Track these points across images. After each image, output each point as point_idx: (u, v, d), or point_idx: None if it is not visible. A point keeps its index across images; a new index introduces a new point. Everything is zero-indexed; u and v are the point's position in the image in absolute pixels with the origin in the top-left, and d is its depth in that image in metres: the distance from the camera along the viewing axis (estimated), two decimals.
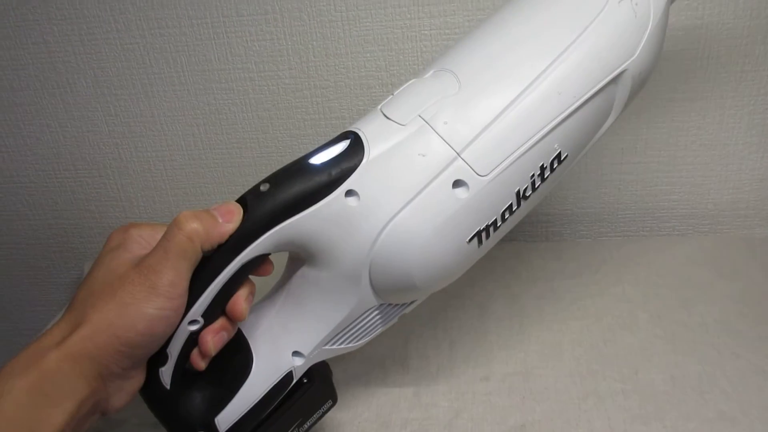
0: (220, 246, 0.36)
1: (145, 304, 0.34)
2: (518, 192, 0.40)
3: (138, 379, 0.37)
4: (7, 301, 0.87)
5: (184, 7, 0.67)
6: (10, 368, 0.33)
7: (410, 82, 0.41)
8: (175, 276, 0.35)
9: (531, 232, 0.74)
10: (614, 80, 0.40)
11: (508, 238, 0.72)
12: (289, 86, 0.69)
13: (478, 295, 0.62)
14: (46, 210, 0.80)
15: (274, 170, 0.39)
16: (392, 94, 0.41)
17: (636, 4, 0.40)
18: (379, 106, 0.41)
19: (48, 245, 0.83)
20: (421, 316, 0.58)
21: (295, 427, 0.43)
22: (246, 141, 0.73)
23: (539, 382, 0.51)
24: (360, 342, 0.43)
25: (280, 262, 0.42)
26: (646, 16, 0.40)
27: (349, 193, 0.38)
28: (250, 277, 0.39)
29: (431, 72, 0.41)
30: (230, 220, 0.36)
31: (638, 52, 0.40)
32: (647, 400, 0.48)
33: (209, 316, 0.38)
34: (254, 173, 0.75)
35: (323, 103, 0.70)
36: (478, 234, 0.39)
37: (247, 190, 0.38)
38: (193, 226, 0.35)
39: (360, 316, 0.41)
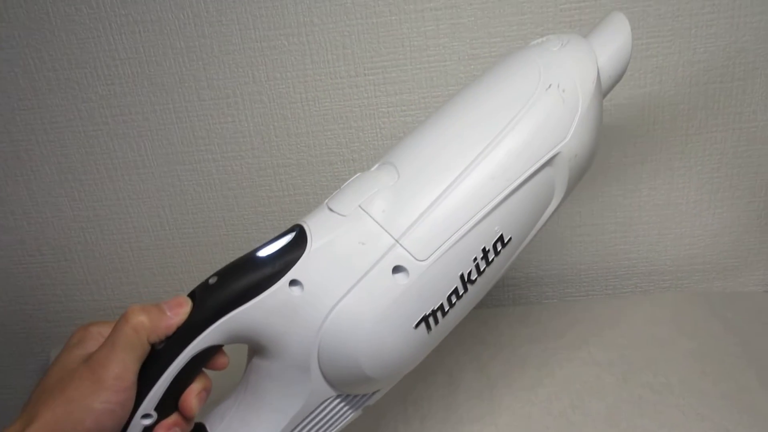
0: (169, 338, 0.37)
1: (92, 399, 0.34)
2: (462, 276, 0.40)
3: None
4: None
5: (146, 93, 0.68)
6: None
7: (356, 175, 0.43)
8: (121, 369, 0.35)
9: (497, 297, 0.75)
10: (548, 163, 0.41)
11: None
12: (252, 166, 0.71)
13: (447, 366, 0.62)
14: (11, 296, 0.79)
15: (241, 248, 0.40)
16: (339, 189, 0.43)
17: (563, 91, 0.41)
18: (325, 201, 0.42)
19: (14, 331, 0.81)
20: (390, 392, 0.58)
21: None
22: (212, 220, 0.74)
23: None
24: None
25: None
26: (574, 102, 0.42)
27: (293, 282, 0.39)
28: (206, 371, 0.40)
29: (376, 165, 0.43)
30: (178, 313, 0.37)
31: (570, 135, 0.42)
32: None
33: (162, 410, 0.38)
34: (222, 252, 0.75)
35: (287, 180, 0.71)
36: (425, 319, 0.40)
37: (208, 275, 0.39)
38: (139, 318, 0.36)
39: (317, 407, 0.41)
